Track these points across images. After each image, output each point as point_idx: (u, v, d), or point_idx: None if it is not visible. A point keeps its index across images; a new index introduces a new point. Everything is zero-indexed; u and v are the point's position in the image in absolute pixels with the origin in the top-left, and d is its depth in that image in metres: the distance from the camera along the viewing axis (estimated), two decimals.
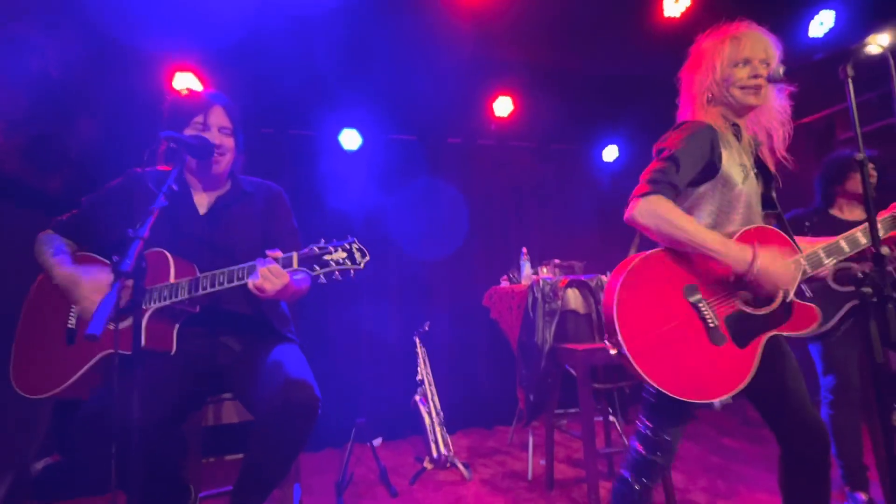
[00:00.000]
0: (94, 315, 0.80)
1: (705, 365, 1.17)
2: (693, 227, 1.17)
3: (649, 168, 1.24)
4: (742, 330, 1.20)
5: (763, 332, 1.21)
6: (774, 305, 1.22)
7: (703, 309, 1.20)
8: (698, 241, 1.16)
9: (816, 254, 1.28)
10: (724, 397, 1.17)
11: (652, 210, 1.18)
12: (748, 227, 1.26)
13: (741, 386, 1.17)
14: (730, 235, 1.24)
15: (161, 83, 2.75)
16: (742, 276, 1.17)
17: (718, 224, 1.28)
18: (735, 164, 1.27)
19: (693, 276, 1.23)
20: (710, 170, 1.26)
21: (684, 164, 1.21)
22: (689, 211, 1.30)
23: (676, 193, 1.22)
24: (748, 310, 1.22)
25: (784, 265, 1.17)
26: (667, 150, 1.23)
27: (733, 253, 1.16)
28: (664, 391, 1.14)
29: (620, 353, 1.17)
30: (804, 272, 1.25)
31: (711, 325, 1.19)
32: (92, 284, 1.30)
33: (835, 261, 1.29)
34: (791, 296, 1.22)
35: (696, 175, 1.26)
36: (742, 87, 1.28)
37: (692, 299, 1.21)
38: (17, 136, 2.23)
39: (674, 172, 1.20)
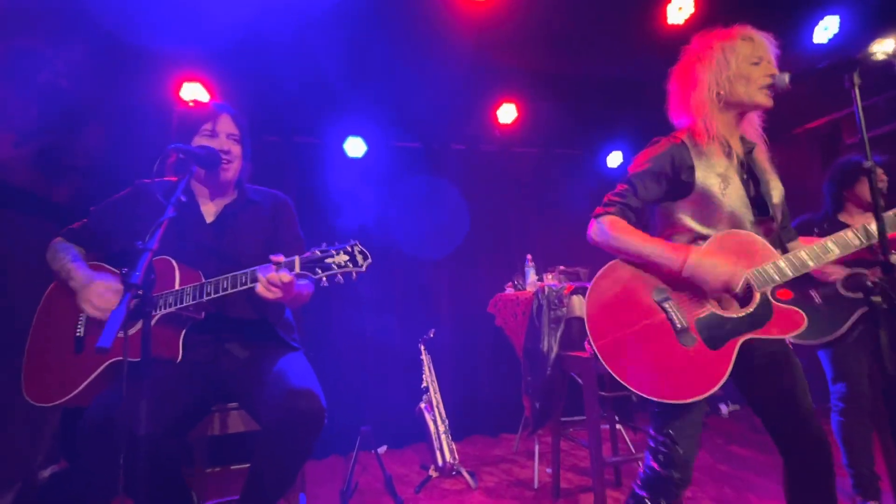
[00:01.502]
0: (105, 327, 0.81)
1: (675, 366, 1.19)
2: (633, 237, 1.26)
3: (611, 191, 1.34)
4: (715, 332, 1.20)
5: (737, 336, 1.20)
6: (750, 308, 1.21)
7: (669, 309, 1.22)
8: (637, 249, 1.25)
9: (798, 256, 1.24)
10: (696, 398, 1.16)
11: (601, 229, 1.30)
12: (718, 234, 1.27)
13: (714, 388, 1.17)
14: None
15: (168, 93, 2.78)
16: (679, 274, 1.20)
17: (702, 236, 1.28)
18: (712, 175, 1.27)
19: (663, 278, 1.26)
20: (681, 187, 1.29)
21: (640, 185, 1.30)
22: (672, 226, 1.33)
23: (633, 213, 1.30)
24: (720, 312, 1.22)
25: (715, 264, 1.18)
26: (628, 171, 1.33)
27: (667, 253, 1.22)
28: (633, 390, 1.17)
29: (593, 353, 1.22)
30: (783, 275, 1.22)
31: (679, 325, 1.21)
32: (103, 286, 1.32)
33: (820, 264, 1.24)
34: (755, 296, 1.22)
35: (661, 192, 1.31)
36: (755, 88, 1.27)
37: (659, 299, 1.24)
38: (27, 146, 2.26)
39: (631, 195, 1.30)
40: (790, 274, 1.22)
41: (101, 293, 1.30)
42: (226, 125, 1.48)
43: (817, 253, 1.24)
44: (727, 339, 1.20)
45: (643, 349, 1.20)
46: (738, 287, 1.17)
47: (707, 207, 1.27)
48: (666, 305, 1.23)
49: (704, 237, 1.28)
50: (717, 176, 1.27)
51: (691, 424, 1.26)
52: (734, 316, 1.21)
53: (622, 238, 1.26)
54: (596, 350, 1.21)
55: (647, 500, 1.27)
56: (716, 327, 1.20)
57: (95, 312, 1.30)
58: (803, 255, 1.24)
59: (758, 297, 1.22)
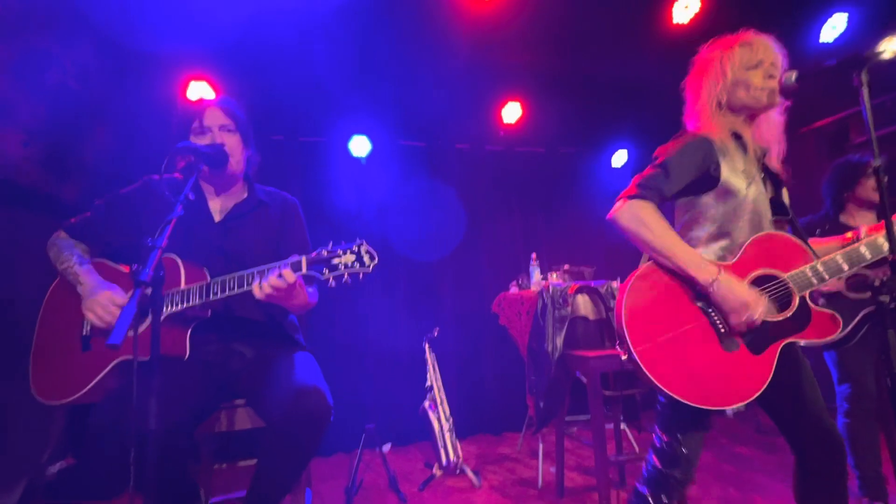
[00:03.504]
0: (116, 324, 0.81)
1: (718, 371, 1.16)
2: (669, 233, 1.20)
3: (641, 173, 1.27)
4: (757, 337, 1.18)
5: (779, 339, 1.19)
6: (789, 312, 1.20)
7: (712, 314, 1.20)
8: (668, 251, 1.19)
9: (834, 260, 1.23)
10: (740, 405, 1.15)
11: (634, 213, 1.21)
12: (757, 236, 1.24)
13: (757, 394, 1.15)
14: (738, 244, 1.24)
15: (175, 93, 2.80)
16: (705, 292, 1.17)
17: (723, 233, 1.27)
18: (736, 173, 1.26)
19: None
20: (708, 181, 1.26)
21: (674, 172, 1.24)
22: (693, 221, 1.31)
23: (662, 199, 1.25)
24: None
25: (746, 292, 1.15)
26: (660, 157, 1.27)
27: (699, 261, 1.18)
28: (676, 397, 1.13)
29: (630, 359, 1.16)
30: (820, 279, 1.21)
31: (723, 330, 1.18)
32: (108, 298, 1.31)
33: (856, 269, 1.23)
34: (794, 303, 1.19)
35: (687, 185, 1.27)
36: (757, 90, 1.27)
37: (700, 304, 1.21)
38: (35, 145, 2.27)
39: (663, 179, 1.24)
40: (827, 277, 1.21)
41: (104, 304, 1.30)
42: (215, 118, 1.45)
43: (852, 257, 1.22)
44: (770, 344, 1.18)
45: (685, 354, 1.16)
46: (757, 316, 1.13)
47: (730, 203, 1.26)
48: (709, 310, 1.19)
49: (726, 233, 1.27)
50: (740, 173, 1.27)
51: (700, 427, 1.26)
52: (775, 319, 1.20)
53: (656, 229, 1.19)
54: (635, 355, 1.15)
55: (649, 498, 1.27)
56: (758, 332, 1.18)
57: (99, 323, 1.30)
58: (839, 258, 1.23)
59: (797, 300, 1.20)
